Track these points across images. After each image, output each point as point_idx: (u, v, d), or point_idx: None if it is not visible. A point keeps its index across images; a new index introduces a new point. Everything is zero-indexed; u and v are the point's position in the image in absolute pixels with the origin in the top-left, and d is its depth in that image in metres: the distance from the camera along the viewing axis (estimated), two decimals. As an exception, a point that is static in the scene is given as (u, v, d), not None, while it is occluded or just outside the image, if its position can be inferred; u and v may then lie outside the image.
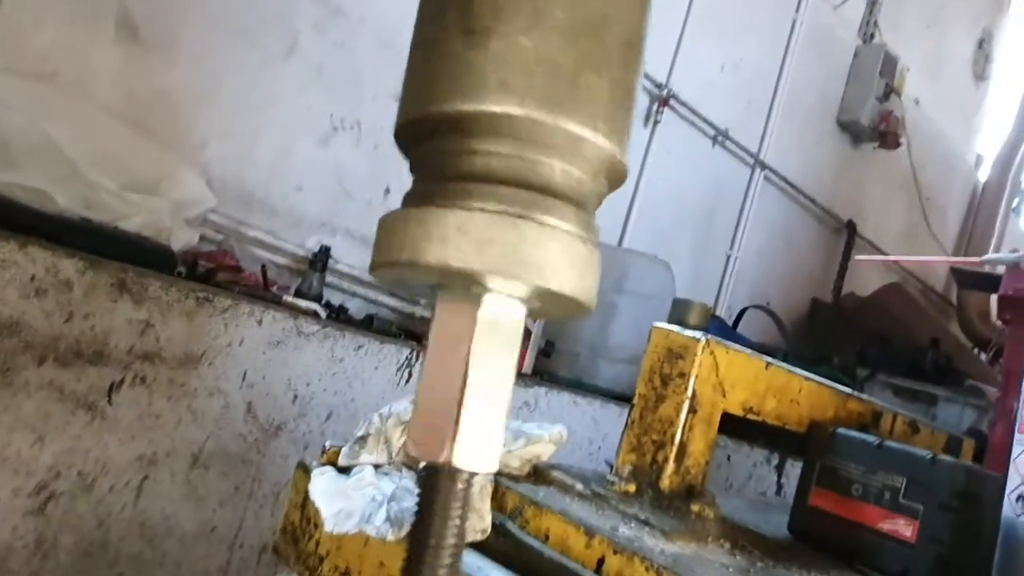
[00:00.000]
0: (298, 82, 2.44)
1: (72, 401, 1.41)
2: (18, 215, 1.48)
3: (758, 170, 4.20)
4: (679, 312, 0.82)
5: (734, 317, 4.08)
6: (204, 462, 1.63)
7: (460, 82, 0.38)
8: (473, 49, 0.38)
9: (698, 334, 0.80)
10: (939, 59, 5.48)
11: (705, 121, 3.81)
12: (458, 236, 0.37)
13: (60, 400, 1.40)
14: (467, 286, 0.39)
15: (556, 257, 0.38)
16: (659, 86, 3.54)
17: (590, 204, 0.42)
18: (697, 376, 0.81)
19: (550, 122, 0.38)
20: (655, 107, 3.57)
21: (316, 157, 2.52)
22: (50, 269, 1.35)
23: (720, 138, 3.91)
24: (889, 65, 4.53)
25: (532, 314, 0.42)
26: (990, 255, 2.21)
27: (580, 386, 2.56)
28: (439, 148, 0.40)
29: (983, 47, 5.99)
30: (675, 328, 0.82)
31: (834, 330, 4.44)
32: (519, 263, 0.37)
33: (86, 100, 1.92)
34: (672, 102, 3.59)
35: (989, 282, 1.97)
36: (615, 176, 0.43)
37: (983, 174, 6.13)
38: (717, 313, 4.15)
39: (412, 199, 0.40)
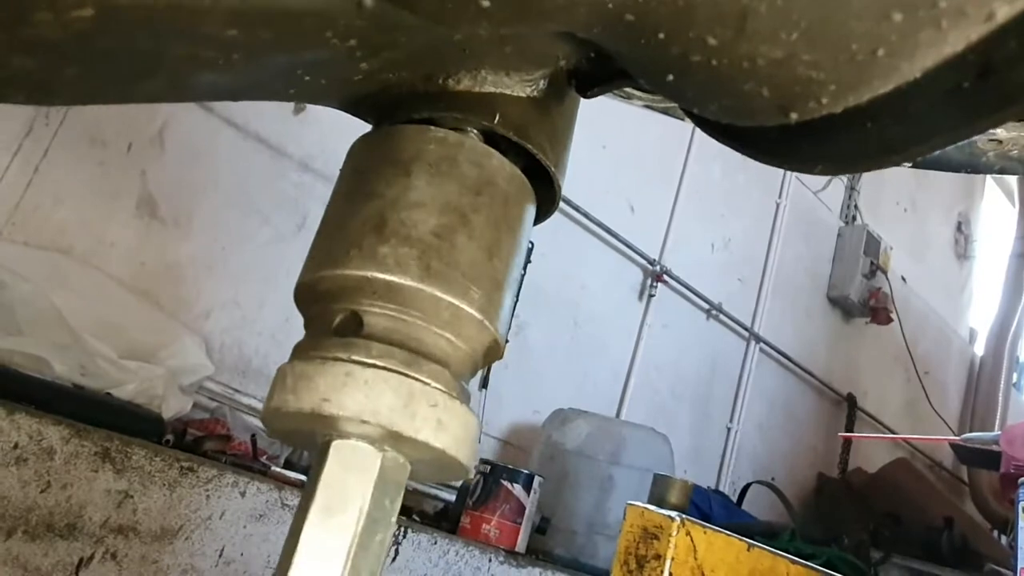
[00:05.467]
0: (304, 255, 2.55)
1: (36, 578, 1.34)
2: (12, 382, 1.49)
3: (753, 343, 4.26)
4: (659, 489, 0.81)
5: (738, 493, 3.94)
6: (169, 649, 1.52)
7: (343, 248, 0.42)
8: (356, 217, 0.43)
9: (673, 513, 0.78)
10: (921, 240, 5.73)
11: (698, 295, 3.92)
12: (341, 387, 0.39)
13: (24, 577, 1.33)
14: (348, 437, 0.40)
15: (433, 414, 0.40)
16: (652, 262, 3.68)
17: (464, 369, 0.44)
18: (673, 559, 0.78)
19: (426, 291, 0.41)
20: (649, 282, 3.69)
21: (316, 326, 2.58)
22: (34, 436, 1.34)
23: (714, 312, 4.00)
24: (872, 245, 4.74)
25: (412, 475, 0.43)
26: (970, 434, 2.18)
27: (578, 566, 2.43)
28: (326, 308, 0.43)
29: (962, 230, 6.28)
30: (650, 507, 0.80)
31: (843, 507, 4.27)
32: (401, 416, 0.39)
33: (97, 271, 2.00)
34: (665, 277, 3.72)
35: (990, 459, 1.93)
36: (490, 347, 0.46)
37: (979, 348, 6.19)
38: (720, 489, 4.03)
39: (301, 352, 0.43)
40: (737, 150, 0.42)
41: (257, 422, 2.31)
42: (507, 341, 0.47)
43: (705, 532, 0.80)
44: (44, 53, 0.30)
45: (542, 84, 0.46)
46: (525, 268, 2.69)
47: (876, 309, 4.70)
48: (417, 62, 0.42)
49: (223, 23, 0.31)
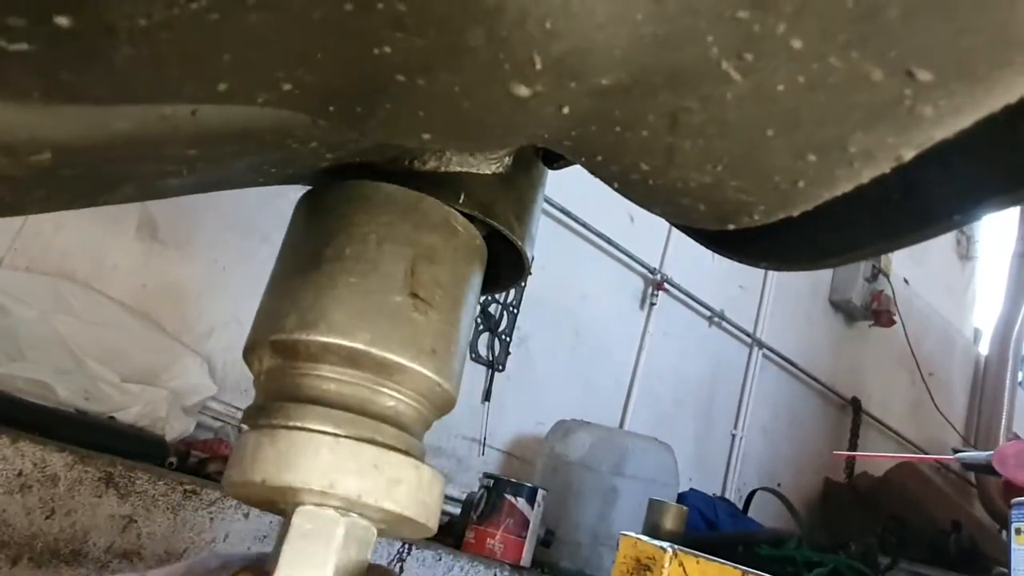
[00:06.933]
0: (304, 273, 2.57)
1: (42, 604, 1.35)
2: (15, 409, 1.50)
3: (756, 349, 4.25)
4: (654, 515, 0.81)
5: (744, 499, 3.93)
6: (175, 673, 1.52)
7: (293, 311, 0.41)
8: (306, 279, 0.42)
9: (666, 544, 0.78)
10: (923, 243, 5.71)
11: (700, 303, 3.92)
12: (297, 457, 0.38)
13: (30, 604, 1.34)
14: (308, 504, 0.39)
15: (389, 478, 0.39)
16: (652, 271, 3.69)
17: (419, 427, 0.44)
18: (667, 588, 0.78)
19: (377, 354, 0.40)
20: (650, 290, 3.70)
21: (318, 343, 2.58)
22: (38, 464, 1.35)
23: (716, 319, 4.00)
24: (873, 248, 4.72)
25: (380, 532, 0.42)
26: (963, 453, 2.18)
27: (583, 579, 2.43)
28: (276, 371, 0.42)
29: (963, 230, 6.27)
30: (643, 537, 0.80)
31: (849, 512, 4.26)
32: (359, 483, 0.38)
33: (99, 294, 2.01)
34: (666, 285, 3.72)
35: (990, 465, 1.92)
36: (444, 404, 0.45)
37: (983, 348, 6.16)
38: (726, 495, 4.01)
39: (255, 417, 0.42)
40: (689, 236, 0.44)
41: (260, 440, 2.32)
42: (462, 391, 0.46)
43: (698, 562, 0.80)
44: (10, 184, 0.31)
45: (507, 161, 0.46)
46: (524, 281, 2.69)
47: (879, 312, 4.69)
48: (382, 150, 0.43)
49: (183, 145, 0.32)
